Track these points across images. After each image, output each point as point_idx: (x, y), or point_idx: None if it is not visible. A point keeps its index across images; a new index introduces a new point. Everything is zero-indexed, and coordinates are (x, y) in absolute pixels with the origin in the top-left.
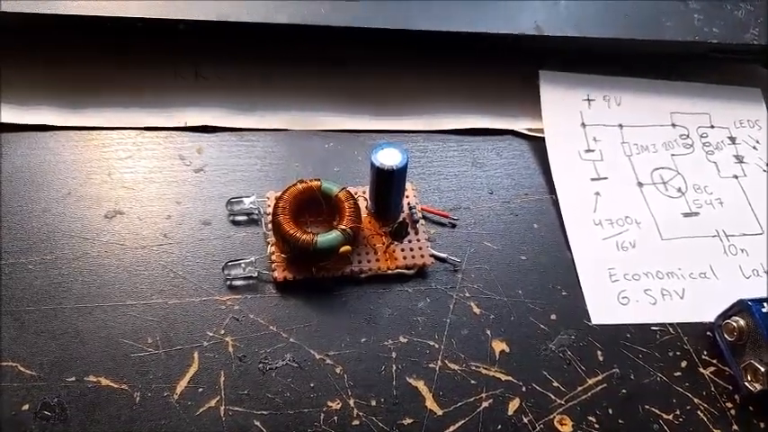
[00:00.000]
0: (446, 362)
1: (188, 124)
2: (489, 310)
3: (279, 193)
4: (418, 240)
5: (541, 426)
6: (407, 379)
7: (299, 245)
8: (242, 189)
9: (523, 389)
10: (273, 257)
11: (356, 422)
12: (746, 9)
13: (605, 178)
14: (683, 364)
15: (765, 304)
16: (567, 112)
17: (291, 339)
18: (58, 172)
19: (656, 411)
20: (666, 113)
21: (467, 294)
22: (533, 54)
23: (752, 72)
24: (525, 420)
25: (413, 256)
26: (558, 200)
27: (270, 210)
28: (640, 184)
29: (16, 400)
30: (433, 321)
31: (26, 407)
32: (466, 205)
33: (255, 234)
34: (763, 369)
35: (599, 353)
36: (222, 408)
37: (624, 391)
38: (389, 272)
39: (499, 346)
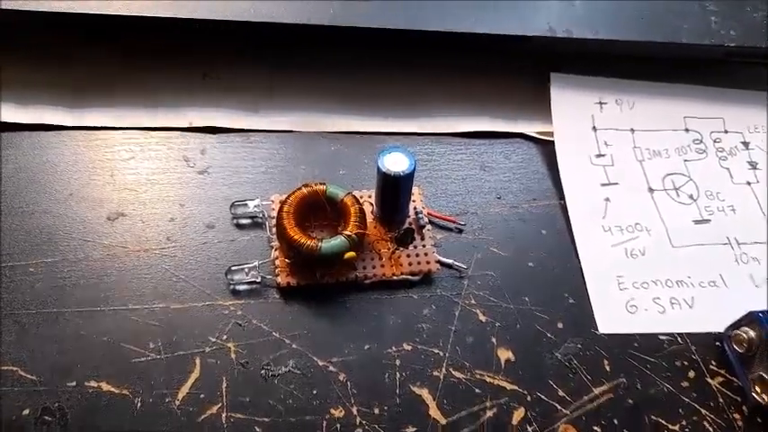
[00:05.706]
0: (451, 370)
1: (192, 125)
2: (495, 317)
3: (284, 197)
4: (424, 246)
5: None
6: (411, 387)
7: (303, 250)
8: (246, 192)
9: (528, 398)
10: (277, 262)
11: (359, 430)
12: (764, 11)
13: (616, 183)
14: (691, 374)
15: None
16: (579, 116)
17: (294, 346)
18: (60, 173)
19: (663, 422)
20: (680, 118)
21: (472, 301)
22: (545, 56)
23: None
24: (530, 430)
25: (418, 262)
26: (566, 205)
27: (274, 213)
28: (651, 190)
29: (17, 404)
30: (438, 328)
31: (27, 411)
32: (473, 210)
33: (259, 238)
34: None
35: (605, 362)
36: (224, 414)
37: (630, 401)
38: (394, 278)
39: (505, 354)
